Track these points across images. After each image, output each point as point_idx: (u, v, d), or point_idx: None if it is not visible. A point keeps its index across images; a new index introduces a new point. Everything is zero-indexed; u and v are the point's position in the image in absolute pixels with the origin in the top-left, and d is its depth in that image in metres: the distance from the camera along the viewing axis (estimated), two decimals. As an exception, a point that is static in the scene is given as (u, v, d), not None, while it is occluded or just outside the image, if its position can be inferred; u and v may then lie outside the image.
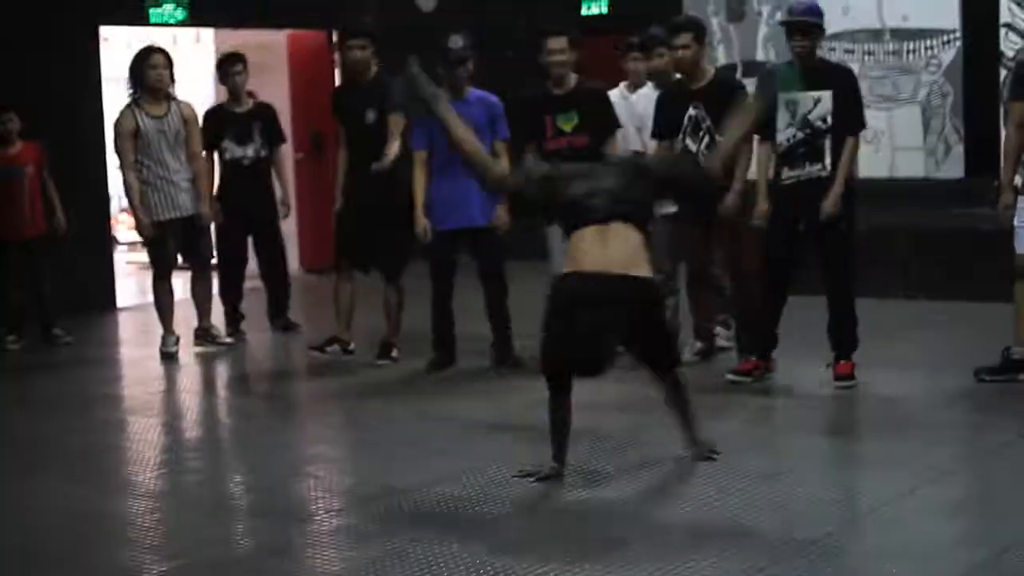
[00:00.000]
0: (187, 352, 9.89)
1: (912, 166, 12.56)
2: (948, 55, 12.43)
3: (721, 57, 13.14)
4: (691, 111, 8.44)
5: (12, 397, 8.84)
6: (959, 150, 12.45)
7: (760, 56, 13.46)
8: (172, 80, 9.67)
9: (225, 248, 10.62)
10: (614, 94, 9.34)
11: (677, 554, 5.09)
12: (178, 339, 9.85)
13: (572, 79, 8.98)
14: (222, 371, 9.61)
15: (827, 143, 7.95)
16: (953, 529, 5.38)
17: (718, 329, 9.16)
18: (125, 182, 9.61)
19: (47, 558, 5.35)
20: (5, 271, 10.51)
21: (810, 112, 7.96)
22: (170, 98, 9.67)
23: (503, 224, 8.68)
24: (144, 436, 7.71)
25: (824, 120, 7.94)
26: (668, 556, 5.06)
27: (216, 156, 10.32)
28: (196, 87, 13.37)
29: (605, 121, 8.98)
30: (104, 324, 11.82)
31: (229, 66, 10.50)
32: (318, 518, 5.81)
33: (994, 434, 6.87)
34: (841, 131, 7.93)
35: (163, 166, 9.52)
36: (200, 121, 9.96)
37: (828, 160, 7.94)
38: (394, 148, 8.93)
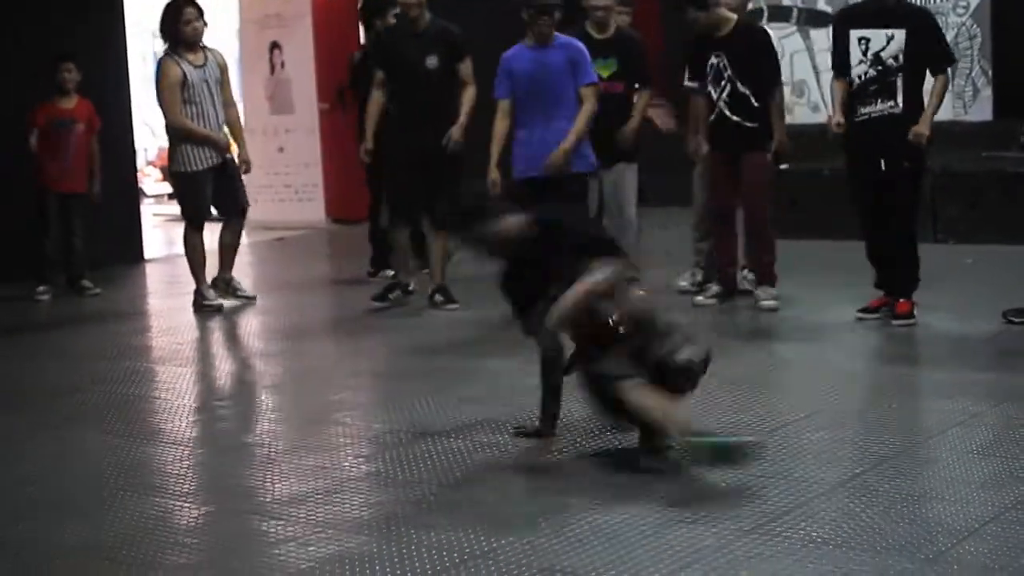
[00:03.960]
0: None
1: (941, 109, 12.48)
2: (976, -3, 12.34)
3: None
4: (713, 59, 8.45)
5: (43, 349, 8.89)
6: (987, 93, 12.39)
7: (786, 1, 13.38)
8: (206, 26, 9.63)
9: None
10: None
11: (705, 497, 5.10)
12: (217, 291, 9.79)
13: (613, 26, 8.98)
14: (251, 322, 9.61)
15: (899, 81, 7.91)
16: (983, 471, 5.36)
17: (745, 272, 9.17)
18: (182, 127, 9.41)
19: (79, 507, 5.38)
20: (44, 220, 10.56)
21: (882, 50, 7.92)
22: (203, 46, 9.65)
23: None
24: (173, 385, 7.74)
25: (896, 58, 7.89)
26: (696, 499, 5.07)
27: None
28: (220, 37, 13.35)
29: (642, 73, 9.01)
30: (132, 276, 11.87)
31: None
32: (346, 464, 5.83)
33: (1021, 375, 6.85)
34: (913, 69, 7.89)
35: (204, 115, 9.48)
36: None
37: (900, 98, 7.90)
38: (466, 111, 8.97)
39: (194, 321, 9.53)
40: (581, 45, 8.68)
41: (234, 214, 9.88)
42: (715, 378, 6.06)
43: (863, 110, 7.99)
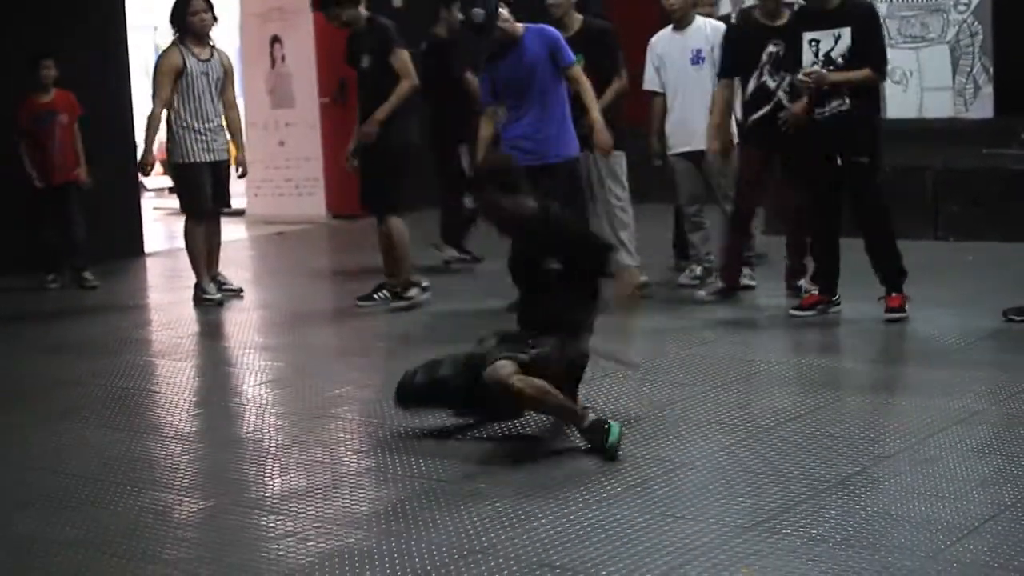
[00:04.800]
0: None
1: (941, 106, 12.50)
2: (977, -6, 12.34)
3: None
4: (771, 48, 8.39)
5: (43, 342, 8.89)
6: (988, 90, 12.39)
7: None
8: (215, 20, 9.68)
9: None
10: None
11: (704, 494, 5.10)
12: (216, 285, 9.84)
13: (576, 21, 8.94)
14: (251, 316, 9.62)
15: None
16: (983, 469, 5.36)
17: (745, 269, 9.19)
18: (152, 114, 9.54)
19: (79, 501, 5.38)
20: (37, 214, 10.63)
21: (831, 50, 8.00)
22: (213, 45, 9.69)
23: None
24: (173, 379, 7.74)
25: (844, 57, 7.97)
26: (696, 495, 5.08)
27: None
28: (221, 31, 13.36)
29: (611, 62, 8.98)
30: (132, 270, 11.87)
31: None
32: (346, 459, 5.83)
33: (1022, 373, 6.84)
34: (860, 67, 7.94)
35: (201, 108, 9.53)
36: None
37: (848, 95, 7.96)
38: (391, 101, 8.96)
39: (194, 315, 9.54)
40: (551, 28, 8.61)
41: (216, 212, 9.95)
42: (704, 375, 6.06)
43: (818, 110, 8.04)
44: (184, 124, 9.51)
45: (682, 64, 9.17)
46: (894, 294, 8.04)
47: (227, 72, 9.73)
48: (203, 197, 9.68)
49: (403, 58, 9.04)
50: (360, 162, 9.19)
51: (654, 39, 9.38)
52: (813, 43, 8.02)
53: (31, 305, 10.28)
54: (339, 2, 9.01)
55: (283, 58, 14.61)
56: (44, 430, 6.55)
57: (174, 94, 9.47)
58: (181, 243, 9.94)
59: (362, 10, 9.09)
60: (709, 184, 9.19)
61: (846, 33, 7.96)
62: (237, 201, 14.47)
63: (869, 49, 8.01)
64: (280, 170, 14.77)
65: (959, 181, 11.16)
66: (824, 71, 7.88)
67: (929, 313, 8.17)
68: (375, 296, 9.31)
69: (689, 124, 9.14)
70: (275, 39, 14.65)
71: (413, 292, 9.23)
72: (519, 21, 8.46)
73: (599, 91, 8.80)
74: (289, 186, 14.78)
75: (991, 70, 12.34)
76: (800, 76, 8.00)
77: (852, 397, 6.63)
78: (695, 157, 9.10)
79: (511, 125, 8.53)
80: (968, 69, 12.41)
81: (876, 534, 4.60)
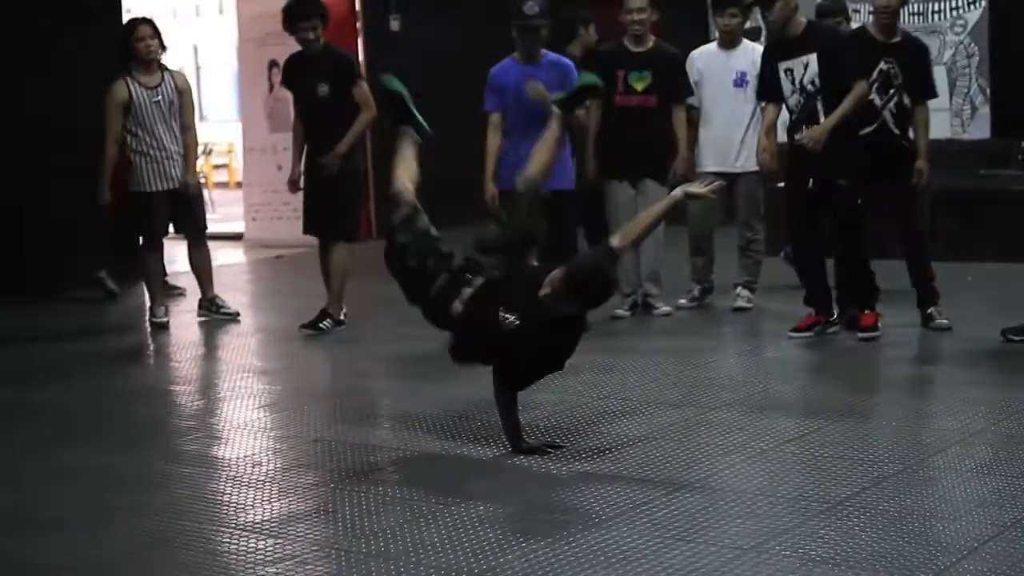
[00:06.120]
0: (195, 322, 9.98)
1: (938, 127, 12.46)
2: (974, 15, 12.37)
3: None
4: (883, 65, 8.32)
5: (37, 363, 8.83)
6: (985, 111, 12.41)
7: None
8: (162, 48, 9.69)
9: None
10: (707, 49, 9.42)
11: (703, 515, 5.09)
12: (167, 309, 9.89)
13: (650, 39, 9.02)
14: (249, 340, 9.60)
15: (819, 104, 8.07)
16: (982, 489, 5.35)
17: (739, 290, 9.22)
18: (105, 150, 9.54)
19: (75, 524, 5.36)
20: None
21: (802, 77, 8.11)
22: (163, 68, 9.69)
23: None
24: (171, 402, 7.73)
25: (813, 83, 8.07)
26: (695, 516, 5.06)
27: None
28: (219, 56, 13.39)
29: (676, 87, 9.03)
30: (129, 292, 11.83)
31: None
32: (344, 482, 5.82)
33: (1021, 393, 6.84)
34: (830, 90, 7.99)
35: (155, 137, 9.54)
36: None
37: (821, 119, 8.01)
38: (354, 131, 9.09)
39: (192, 338, 9.54)
40: (569, 63, 8.72)
41: (194, 236, 9.95)
42: (703, 397, 6.04)
43: (797, 137, 8.12)
44: (139, 151, 9.54)
45: (724, 83, 9.23)
46: (866, 312, 8.12)
47: (182, 93, 9.72)
48: (155, 225, 9.71)
49: (365, 89, 9.15)
50: (313, 190, 9.26)
51: (695, 53, 9.43)
52: (788, 72, 8.17)
53: (24, 325, 10.25)
54: (324, 17, 9.09)
55: (281, 83, 14.58)
56: (39, 452, 6.53)
57: (126, 126, 9.49)
58: (178, 267, 9.94)
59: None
60: (734, 207, 9.24)
61: (812, 60, 8.05)
62: (235, 226, 14.56)
63: (842, 71, 8.01)
64: (278, 194, 14.70)
65: (957, 201, 11.16)
66: (817, 136, 7.93)
67: (927, 333, 8.17)
68: (320, 326, 9.29)
69: (724, 144, 9.19)
70: (273, 64, 14.63)
71: (327, 323, 9.28)
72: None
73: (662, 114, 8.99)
74: (287, 209, 14.72)
75: (988, 91, 12.37)
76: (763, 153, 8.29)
77: (850, 418, 6.61)
78: (724, 178, 9.10)
79: (519, 143, 8.54)
80: (965, 90, 12.44)
81: (876, 555, 4.59)
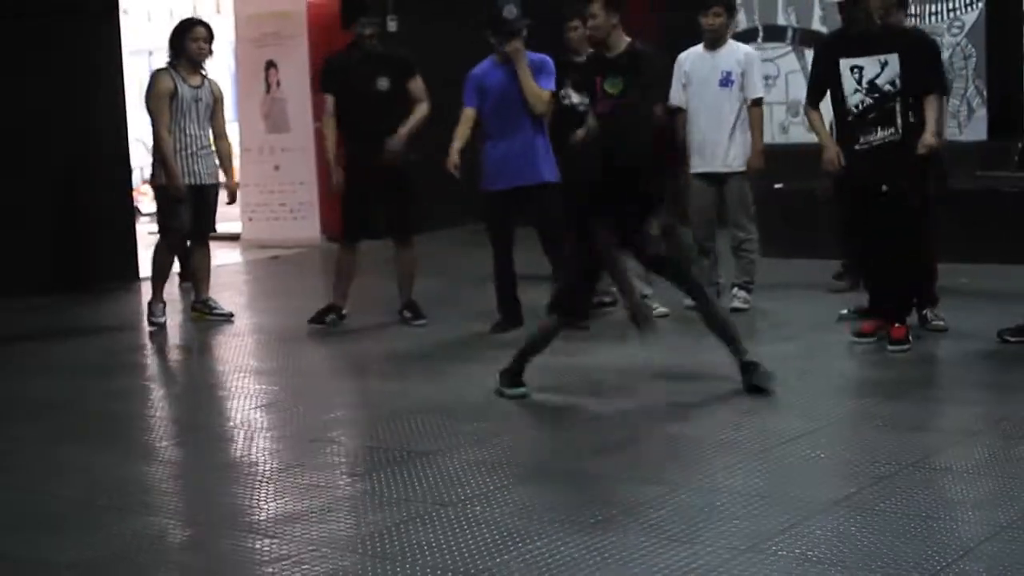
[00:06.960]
0: (189, 322, 9.98)
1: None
2: (971, 17, 12.37)
3: (743, 22, 13.08)
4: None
5: (34, 363, 8.86)
6: (982, 112, 12.40)
7: (781, 20, 13.40)
8: (211, 53, 9.71)
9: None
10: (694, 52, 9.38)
11: (700, 516, 5.09)
12: (165, 307, 9.85)
13: (622, 43, 8.97)
14: (246, 340, 9.60)
15: (897, 107, 7.82)
16: (979, 490, 5.36)
17: (735, 291, 9.21)
18: (160, 140, 9.51)
19: (71, 525, 5.36)
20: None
21: (877, 77, 7.81)
22: (205, 74, 9.73)
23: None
24: (167, 403, 7.74)
25: (892, 84, 7.80)
26: (692, 517, 5.06)
27: None
28: (217, 56, 13.39)
29: (648, 85, 9.00)
30: (127, 293, 11.85)
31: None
32: (340, 483, 5.82)
33: (1017, 394, 6.85)
34: (911, 94, 7.80)
35: (187, 134, 9.55)
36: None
37: (899, 123, 7.81)
38: (416, 119, 9.05)
39: (188, 339, 9.53)
40: (547, 58, 8.74)
41: (199, 236, 9.95)
42: (700, 397, 6.04)
43: (864, 139, 7.88)
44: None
45: (710, 83, 9.19)
46: (897, 325, 7.92)
47: (217, 100, 9.77)
48: (176, 219, 9.68)
49: (421, 82, 9.21)
50: (363, 187, 9.19)
51: (682, 56, 9.39)
52: (855, 70, 7.83)
53: (21, 325, 10.25)
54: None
55: (278, 83, 14.62)
56: (34, 452, 6.53)
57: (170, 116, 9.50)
58: (176, 267, 9.94)
59: None
60: (725, 208, 9.23)
61: (893, 60, 7.77)
62: (232, 226, 14.55)
63: (927, 76, 7.89)
64: (275, 194, 14.76)
65: (953, 203, 11.15)
66: (931, 141, 7.77)
67: (924, 334, 8.17)
68: (325, 320, 9.39)
69: (710, 145, 9.17)
70: (270, 64, 14.66)
71: (332, 317, 9.37)
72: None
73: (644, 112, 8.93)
74: (284, 210, 14.77)
75: (985, 93, 12.37)
76: (835, 162, 7.95)
77: (847, 418, 6.62)
78: (713, 178, 9.13)
79: (499, 143, 8.58)
80: (962, 92, 12.43)
81: (872, 555, 4.59)
